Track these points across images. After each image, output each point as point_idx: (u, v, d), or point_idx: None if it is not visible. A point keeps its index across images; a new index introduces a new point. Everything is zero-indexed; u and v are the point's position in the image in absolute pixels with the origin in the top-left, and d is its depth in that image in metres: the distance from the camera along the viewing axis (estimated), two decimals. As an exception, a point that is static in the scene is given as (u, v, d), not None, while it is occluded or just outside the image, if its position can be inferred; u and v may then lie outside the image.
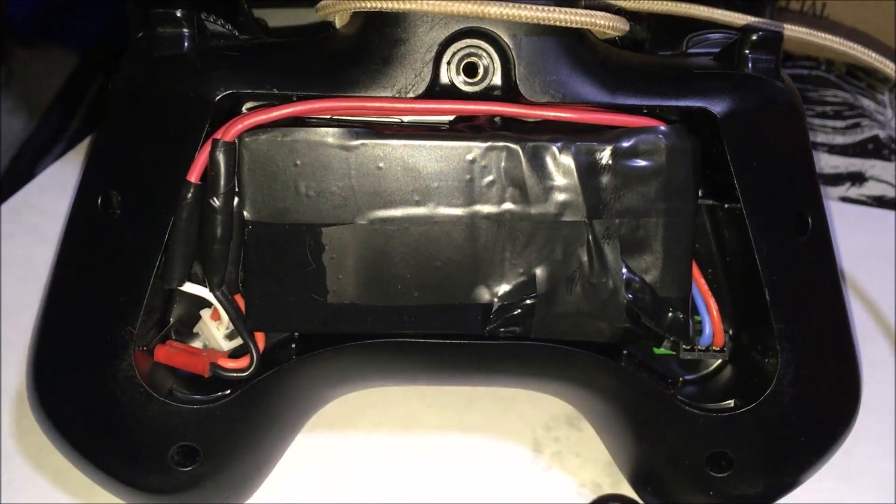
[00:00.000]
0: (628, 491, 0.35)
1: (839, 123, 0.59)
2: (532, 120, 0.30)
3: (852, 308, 0.45)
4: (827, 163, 0.56)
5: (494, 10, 0.28)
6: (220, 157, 0.28)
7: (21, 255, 0.45)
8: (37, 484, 0.34)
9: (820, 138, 0.58)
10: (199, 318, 0.32)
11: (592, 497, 0.35)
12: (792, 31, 0.34)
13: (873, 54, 0.35)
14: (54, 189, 0.50)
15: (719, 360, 0.33)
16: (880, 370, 0.42)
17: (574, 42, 0.30)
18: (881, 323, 0.45)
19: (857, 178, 0.55)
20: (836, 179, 0.55)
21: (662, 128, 0.29)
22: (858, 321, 0.45)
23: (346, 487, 0.35)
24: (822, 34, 0.35)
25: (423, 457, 0.37)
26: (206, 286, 0.30)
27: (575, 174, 0.29)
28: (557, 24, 0.28)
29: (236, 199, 0.29)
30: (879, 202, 0.54)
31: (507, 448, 0.37)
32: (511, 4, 0.28)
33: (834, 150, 0.57)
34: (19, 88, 0.80)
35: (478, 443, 0.37)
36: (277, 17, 0.45)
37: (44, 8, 0.81)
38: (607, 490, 0.36)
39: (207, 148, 0.28)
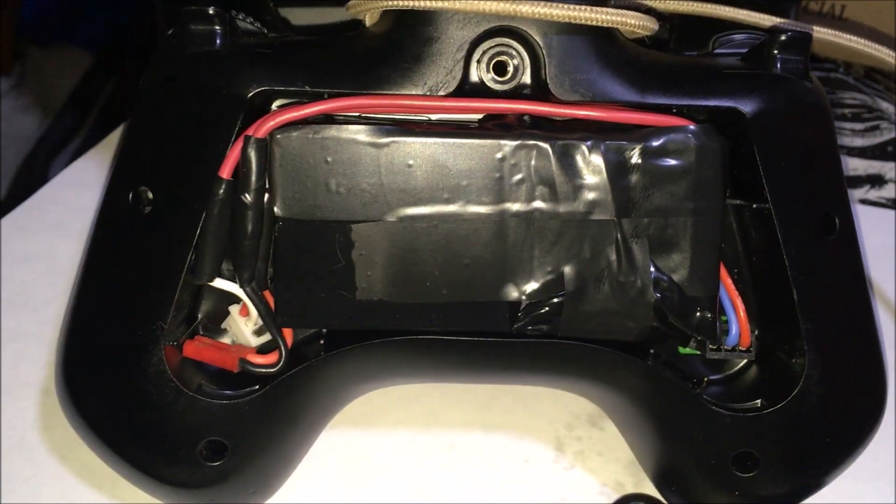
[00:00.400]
0: (652, 490, 0.35)
1: (858, 126, 0.59)
2: (561, 119, 0.30)
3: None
4: (846, 165, 0.56)
5: (526, 8, 0.28)
6: (252, 154, 0.28)
7: (45, 251, 0.45)
8: (63, 478, 0.35)
9: (839, 140, 0.58)
10: (227, 313, 0.32)
11: (615, 496, 0.35)
12: (818, 32, 0.35)
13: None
14: (77, 185, 0.50)
15: (745, 360, 0.33)
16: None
17: (604, 41, 0.30)
18: (901, 324, 0.45)
19: (877, 181, 0.55)
20: (856, 182, 0.55)
21: (692, 127, 0.30)
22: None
23: (368, 483, 0.35)
24: (848, 35, 0.35)
25: (444, 454, 0.37)
26: (235, 282, 0.30)
27: (604, 173, 0.29)
28: (589, 23, 0.29)
29: (267, 196, 0.29)
30: (899, 205, 0.54)
31: (529, 446, 0.37)
32: (543, 3, 0.28)
33: (853, 152, 0.57)
34: (34, 88, 0.80)
35: (499, 440, 0.37)
36: (295, 16, 0.45)
37: (58, 9, 0.82)
38: (630, 489, 0.36)
39: (239, 144, 0.29)
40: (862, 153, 0.57)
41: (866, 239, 0.49)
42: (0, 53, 0.79)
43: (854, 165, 0.56)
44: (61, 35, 0.82)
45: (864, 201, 0.54)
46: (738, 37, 0.36)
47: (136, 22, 0.78)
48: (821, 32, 0.35)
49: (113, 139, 0.55)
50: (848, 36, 0.36)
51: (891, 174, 0.56)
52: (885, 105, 0.61)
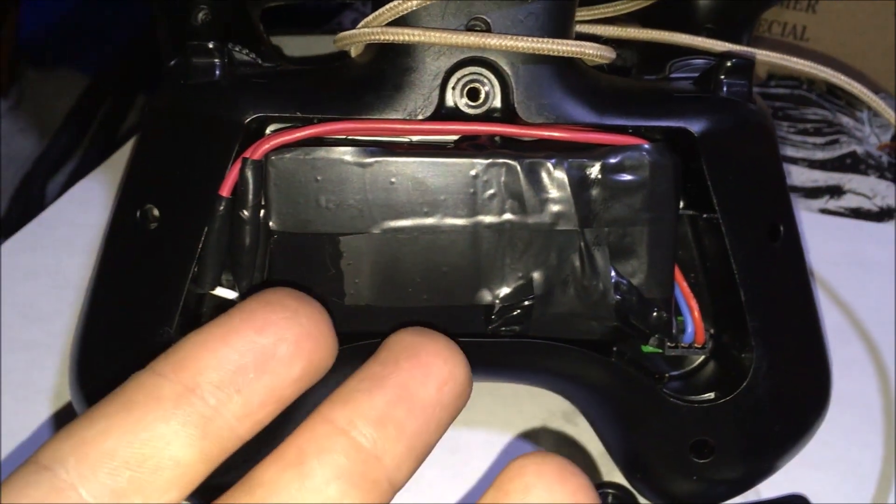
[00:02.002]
0: (621, 480, 0.38)
1: (819, 140, 0.62)
2: (529, 139, 0.33)
3: (829, 312, 0.48)
4: (807, 177, 0.60)
5: (495, 41, 0.31)
6: (249, 174, 0.31)
7: (54, 265, 0.48)
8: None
9: (800, 153, 0.62)
10: (227, 320, 0.35)
11: (587, 485, 0.38)
12: (767, 56, 0.38)
13: (843, 77, 0.38)
14: (81, 204, 0.53)
15: (702, 357, 0.36)
16: (856, 369, 0.45)
17: (566, 69, 0.33)
18: (856, 326, 0.48)
19: (836, 192, 0.59)
20: (816, 192, 0.59)
21: (646, 146, 0.33)
22: (835, 324, 0.48)
23: (360, 477, 0.38)
24: (795, 59, 0.39)
25: (430, 450, 0.39)
26: (234, 290, 0.33)
27: (568, 187, 0.32)
28: (552, 53, 0.32)
29: (263, 212, 0.32)
30: (856, 214, 0.57)
31: (509, 441, 0.40)
32: (509, 37, 0.31)
33: (814, 164, 0.61)
34: (31, 109, 0.83)
35: (481, 437, 0.40)
36: (286, 44, 0.49)
37: (55, 31, 0.85)
38: (602, 479, 0.38)
39: (237, 166, 0.31)
40: (822, 165, 0.61)
41: (824, 246, 0.53)
42: (-3, 74, 0.82)
43: (815, 177, 0.60)
44: (59, 57, 0.85)
45: (823, 211, 0.57)
46: (695, 62, 0.39)
47: (133, 45, 0.81)
48: (770, 56, 0.38)
49: (113, 161, 0.58)
50: (795, 59, 0.39)
51: (849, 185, 0.59)
52: (845, 120, 0.64)
